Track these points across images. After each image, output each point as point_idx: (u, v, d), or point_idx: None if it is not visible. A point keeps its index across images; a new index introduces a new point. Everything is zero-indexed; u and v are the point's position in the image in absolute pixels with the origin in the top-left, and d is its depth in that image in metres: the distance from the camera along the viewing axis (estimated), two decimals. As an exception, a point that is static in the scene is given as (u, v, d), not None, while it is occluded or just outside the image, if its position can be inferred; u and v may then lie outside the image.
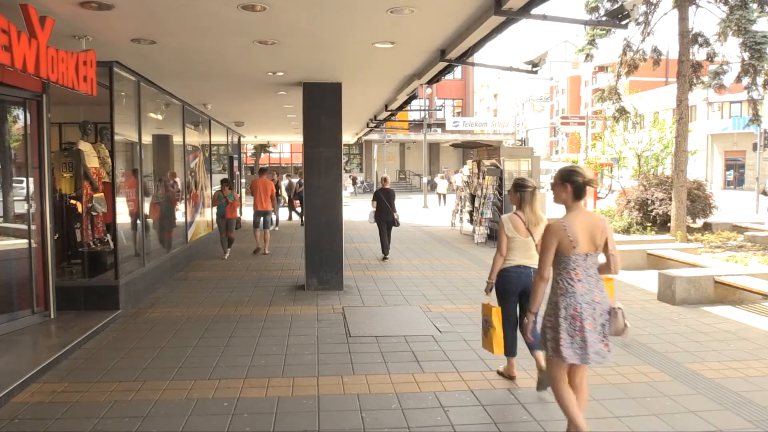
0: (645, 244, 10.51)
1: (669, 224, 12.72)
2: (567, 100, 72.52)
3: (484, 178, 12.88)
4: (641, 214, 13.39)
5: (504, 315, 4.48)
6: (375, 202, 10.74)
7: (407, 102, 10.97)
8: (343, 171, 8.23)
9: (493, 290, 4.50)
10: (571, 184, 3.32)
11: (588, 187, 3.35)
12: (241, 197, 15.53)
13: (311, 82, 8.06)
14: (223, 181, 11.15)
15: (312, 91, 8.08)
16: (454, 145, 19.47)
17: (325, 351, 5.38)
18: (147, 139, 8.31)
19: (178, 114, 10.21)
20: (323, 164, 8.07)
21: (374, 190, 18.01)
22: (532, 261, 4.28)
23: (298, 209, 16.73)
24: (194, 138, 11.69)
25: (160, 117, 9.45)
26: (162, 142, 9.70)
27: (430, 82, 8.04)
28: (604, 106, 16.56)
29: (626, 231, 13.26)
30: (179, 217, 10.26)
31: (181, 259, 9.78)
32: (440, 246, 12.59)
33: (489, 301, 4.47)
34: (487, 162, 13.41)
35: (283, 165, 45.76)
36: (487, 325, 4.44)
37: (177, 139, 10.29)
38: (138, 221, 7.72)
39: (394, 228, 10.91)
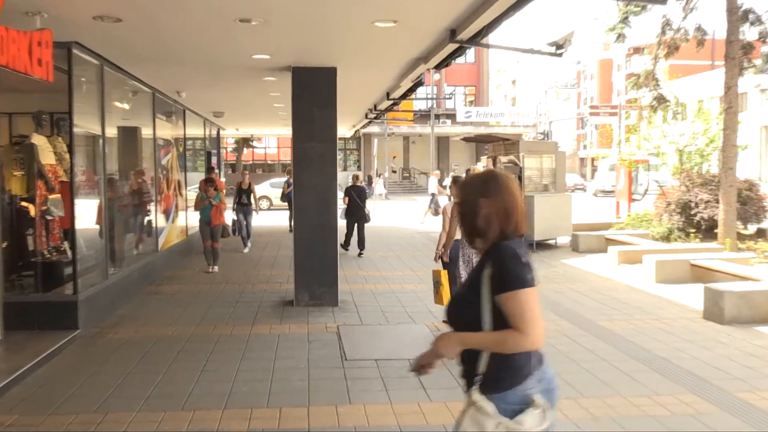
0: (688, 254, 10.48)
1: (716, 230, 12.69)
2: (596, 86, 72.66)
3: (501, 177, 12.89)
4: (683, 219, 13.37)
5: (451, 277, 6.59)
6: (347, 198, 12.27)
7: (412, 89, 10.97)
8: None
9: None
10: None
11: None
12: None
13: (302, 66, 8.07)
14: (206, 181, 11.02)
15: (302, 77, 8.09)
16: (466, 139, 19.50)
17: (318, 376, 5.36)
18: (111, 131, 8.30)
19: (147, 103, 10.23)
20: (315, 161, 8.07)
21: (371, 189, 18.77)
22: None
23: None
24: (166, 131, 11.71)
25: (126, 106, 9.45)
26: (129, 135, 9.70)
27: (438, 67, 8.04)
28: (639, 94, 16.60)
29: (666, 238, 13.23)
30: (149, 222, 10.26)
31: (151, 270, 9.78)
32: (450, 255, 12.57)
33: (438, 267, 6.40)
34: (504, 158, 13.42)
35: (269, 162, 45.91)
36: (437, 285, 6.25)
37: (146, 132, 10.30)
38: (101, 226, 7.72)
39: (366, 224, 12.81)
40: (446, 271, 6.63)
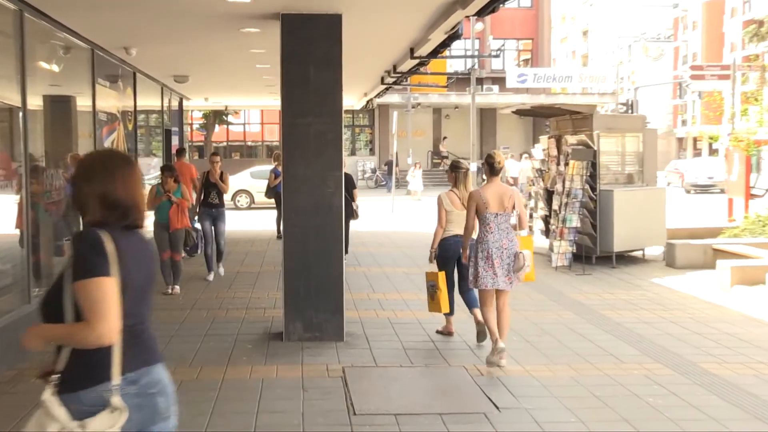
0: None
1: None
2: (701, 39, 72.14)
3: (566, 165, 12.82)
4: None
5: (449, 279, 7.82)
6: None
7: (445, 45, 10.96)
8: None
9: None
10: (488, 165, 7.14)
11: (497, 166, 7.16)
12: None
13: (294, 13, 8.07)
14: (164, 169, 11.05)
15: (296, 28, 8.10)
16: (519, 112, 19.44)
17: (315, 439, 5.35)
18: (36, 102, 8.36)
19: (85, 64, 10.32)
20: (313, 142, 8.08)
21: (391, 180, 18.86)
22: None
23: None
24: (111, 101, 11.80)
25: (56, 68, 9.51)
26: (60, 107, 9.76)
27: (481, 13, 8.02)
28: (761, 49, 16.40)
29: (798, 249, 13.07)
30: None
31: (88, 291, 9.82)
32: (498, 272, 12.55)
33: (432, 269, 7.85)
34: (571, 139, 13.35)
35: (249, 143, 46.18)
36: (433, 289, 7.66)
37: (84, 103, 10.38)
38: (22, 232, 7.78)
39: (352, 221, 13.26)
40: (443, 272, 7.76)
